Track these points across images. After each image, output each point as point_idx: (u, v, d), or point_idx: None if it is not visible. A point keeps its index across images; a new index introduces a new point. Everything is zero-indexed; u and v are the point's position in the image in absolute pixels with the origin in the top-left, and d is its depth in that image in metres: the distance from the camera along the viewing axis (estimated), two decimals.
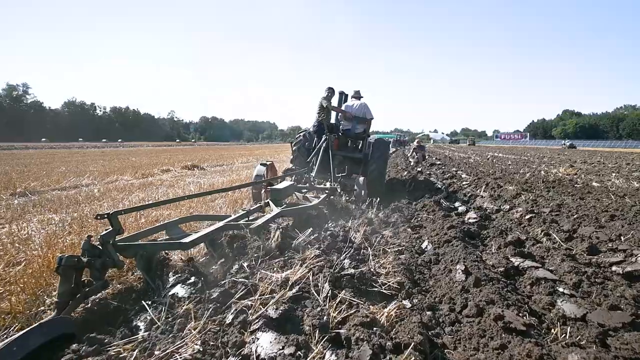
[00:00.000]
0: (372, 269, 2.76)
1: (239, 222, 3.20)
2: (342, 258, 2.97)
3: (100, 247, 2.18)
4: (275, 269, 2.67)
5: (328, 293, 2.25)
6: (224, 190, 4.11)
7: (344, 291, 2.30)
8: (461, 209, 5.11)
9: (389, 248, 3.34)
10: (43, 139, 65.19)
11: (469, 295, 2.24)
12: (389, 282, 2.51)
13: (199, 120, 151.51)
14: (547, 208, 4.93)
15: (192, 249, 3.07)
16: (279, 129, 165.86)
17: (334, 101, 6.99)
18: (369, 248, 3.18)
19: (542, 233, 3.67)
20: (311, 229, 3.46)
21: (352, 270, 2.64)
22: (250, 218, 3.58)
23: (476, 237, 3.74)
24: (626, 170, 12.92)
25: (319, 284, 2.37)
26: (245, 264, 2.61)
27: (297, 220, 3.87)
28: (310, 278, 2.41)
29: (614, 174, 11.03)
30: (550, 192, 7.02)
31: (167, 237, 2.91)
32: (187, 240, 2.49)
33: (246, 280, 2.31)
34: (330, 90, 6.68)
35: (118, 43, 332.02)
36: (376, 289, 2.46)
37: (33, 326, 1.58)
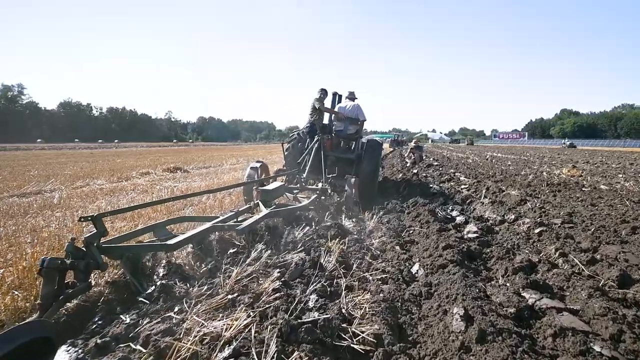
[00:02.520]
0: (344, 310, 2.12)
1: (226, 223, 3.08)
2: (308, 292, 2.34)
3: (84, 249, 2.15)
4: (214, 313, 2.04)
5: (274, 356, 1.62)
6: (214, 191, 4.11)
7: (298, 351, 1.67)
8: (459, 219, 4.48)
9: (370, 274, 2.71)
10: (38, 140, 64.03)
11: (470, 359, 1.61)
12: (363, 332, 1.88)
13: (196, 121, 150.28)
14: (557, 218, 4.30)
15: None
16: (277, 129, 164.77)
17: (328, 102, 6.88)
18: (343, 277, 2.55)
19: (557, 253, 3.04)
20: (269, 251, 2.84)
21: (316, 315, 2.01)
22: (239, 219, 3.47)
23: (477, 258, 3.11)
24: (632, 171, 12.34)
25: (266, 339, 1.74)
26: (174, 313, 1.96)
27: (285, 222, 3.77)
28: (253, 331, 1.77)
29: (620, 175, 10.43)
30: (556, 197, 6.41)
31: (155, 238, 2.83)
32: (172, 242, 2.42)
33: (158, 340, 1.66)
34: (323, 92, 6.56)
35: (114, 43, 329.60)
36: (345, 343, 1.83)
37: (8, 329, 1.54)
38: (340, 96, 7.26)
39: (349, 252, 3.18)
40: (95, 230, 2.22)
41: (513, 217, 4.40)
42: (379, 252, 3.32)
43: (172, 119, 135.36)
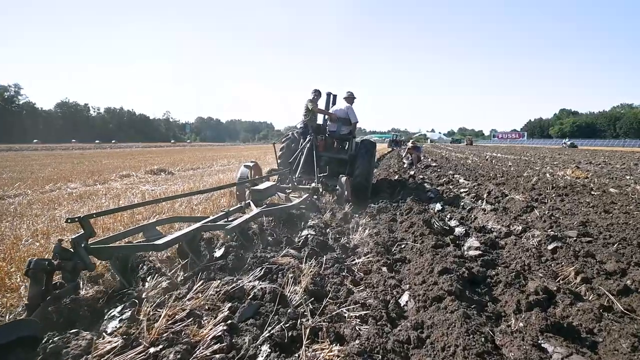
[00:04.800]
0: None
1: (216, 223, 3.09)
2: (260, 340, 1.78)
3: (71, 250, 2.13)
4: None
5: None
6: (207, 192, 4.27)
7: None
8: (458, 230, 3.93)
9: (347, 308, 2.16)
10: (35, 140, 63.11)
11: None
12: None
13: (194, 121, 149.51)
14: (571, 230, 3.76)
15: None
16: (276, 129, 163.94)
17: (322, 103, 6.90)
18: (310, 316, 1.99)
19: (579, 277, 2.49)
20: (219, 280, 2.29)
21: None
22: (230, 219, 3.44)
23: (481, 284, 2.56)
24: (638, 172, 11.82)
25: None
26: None
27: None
28: None
29: (628, 177, 9.91)
30: (565, 202, 5.87)
31: (144, 239, 2.83)
32: (161, 241, 2.38)
33: None
34: (317, 92, 6.65)
35: (113, 43, 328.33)
36: None
37: None
38: (335, 96, 7.16)
39: (326, 275, 2.63)
40: (83, 231, 2.20)
41: (520, 227, 3.86)
42: (362, 275, 2.77)
43: (170, 120, 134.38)
